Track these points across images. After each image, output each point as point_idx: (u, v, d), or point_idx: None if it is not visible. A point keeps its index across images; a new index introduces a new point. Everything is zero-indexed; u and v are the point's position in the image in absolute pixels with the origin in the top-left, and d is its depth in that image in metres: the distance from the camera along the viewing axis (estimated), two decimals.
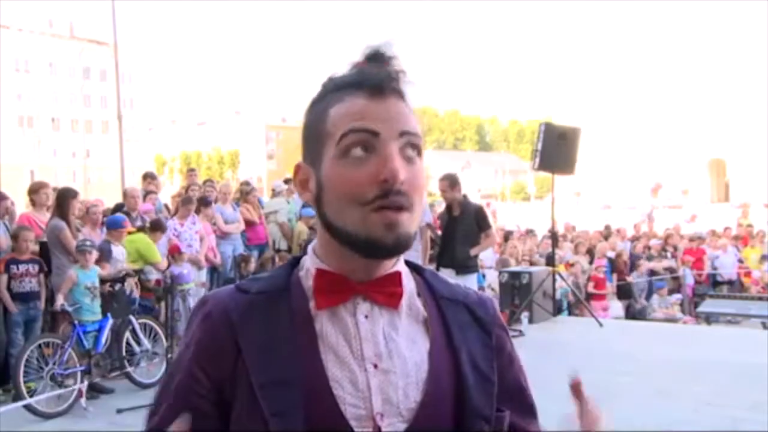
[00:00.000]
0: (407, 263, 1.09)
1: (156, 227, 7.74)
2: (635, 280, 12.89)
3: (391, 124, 0.98)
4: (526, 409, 1.14)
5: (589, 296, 11.70)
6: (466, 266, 7.67)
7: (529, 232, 16.66)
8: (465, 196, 8.24)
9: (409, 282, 1.06)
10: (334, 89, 1.02)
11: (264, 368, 0.96)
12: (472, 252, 7.72)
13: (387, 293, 1.01)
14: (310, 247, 1.07)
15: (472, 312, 1.08)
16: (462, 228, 7.72)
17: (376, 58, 1.03)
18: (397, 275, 1.03)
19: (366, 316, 1.00)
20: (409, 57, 1.06)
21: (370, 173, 0.96)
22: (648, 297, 12.84)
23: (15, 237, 6.71)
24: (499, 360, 1.08)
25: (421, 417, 0.96)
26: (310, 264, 1.05)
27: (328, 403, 0.95)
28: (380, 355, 0.98)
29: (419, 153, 1.01)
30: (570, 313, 10.86)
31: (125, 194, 8.84)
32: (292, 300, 1.02)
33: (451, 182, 7.92)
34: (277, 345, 0.98)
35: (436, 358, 1.01)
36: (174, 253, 7.89)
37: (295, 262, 1.08)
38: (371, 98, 0.99)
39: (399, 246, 0.97)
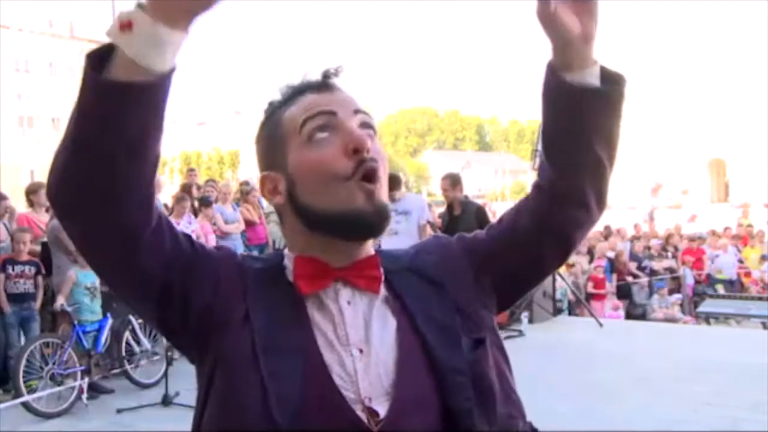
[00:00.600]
0: None
1: None
2: (637, 280, 12.89)
3: (345, 105, 1.04)
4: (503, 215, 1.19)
5: (589, 296, 11.70)
6: None
7: None
8: (466, 196, 8.26)
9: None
10: (279, 105, 1.08)
11: (268, 333, 0.99)
12: None
13: (367, 277, 1.04)
14: (285, 251, 1.10)
15: (419, 273, 1.10)
16: (463, 227, 7.73)
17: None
18: (375, 259, 1.05)
19: (348, 302, 1.03)
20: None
21: (339, 147, 1.00)
22: (648, 297, 12.83)
23: (12, 238, 6.72)
24: (463, 263, 1.11)
25: (401, 390, 0.98)
26: (287, 261, 1.08)
27: (326, 380, 0.97)
28: (363, 340, 1.01)
29: (375, 133, 1.05)
30: (570, 313, 10.85)
31: None
32: (286, 283, 1.06)
33: (452, 181, 7.95)
34: (279, 316, 1.01)
35: (402, 332, 1.03)
36: None
37: (282, 256, 1.12)
38: (320, 92, 1.05)
39: (381, 214, 1.01)
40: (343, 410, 0.96)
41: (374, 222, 1.01)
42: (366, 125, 1.04)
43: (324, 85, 1.06)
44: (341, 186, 0.99)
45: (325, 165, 1.00)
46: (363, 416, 0.96)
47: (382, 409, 0.97)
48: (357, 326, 1.01)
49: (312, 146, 1.01)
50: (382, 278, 1.05)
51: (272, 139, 1.07)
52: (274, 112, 1.09)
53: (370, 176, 1.00)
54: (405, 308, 1.05)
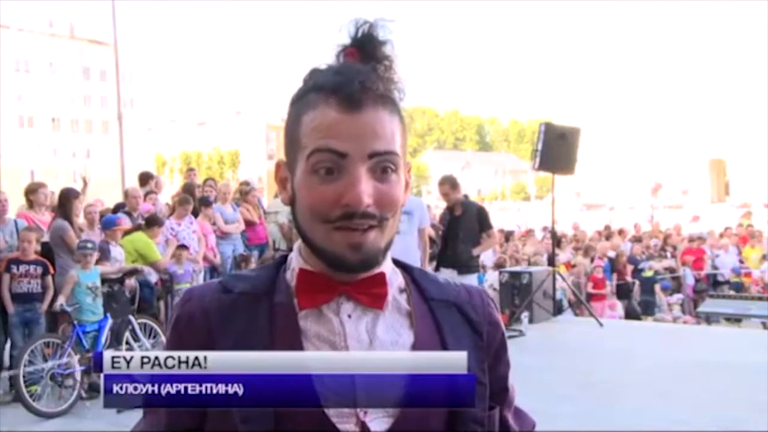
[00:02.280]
0: (395, 261, 1.08)
1: (152, 222, 7.73)
2: (633, 279, 12.88)
3: (361, 144, 0.95)
4: (508, 404, 1.12)
5: (589, 296, 11.70)
6: (468, 266, 7.67)
7: (530, 232, 16.71)
8: (466, 196, 8.25)
9: (394, 279, 1.05)
10: (313, 88, 0.99)
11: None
12: (475, 252, 7.72)
13: (372, 294, 1.01)
14: (296, 246, 1.07)
15: (463, 312, 1.07)
16: (464, 228, 7.73)
17: (365, 44, 1.01)
18: (381, 276, 1.02)
19: (349, 316, 1.00)
20: (401, 35, 1.03)
21: (334, 194, 0.95)
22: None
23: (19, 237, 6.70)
24: (487, 357, 1.07)
25: (408, 414, 0.95)
26: (295, 263, 1.05)
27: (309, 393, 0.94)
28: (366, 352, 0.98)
29: (395, 169, 0.98)
30: (573, 313, 10.84)
31: (126, 194, 8.85)
32: (275, 300, 1.02)
33: (452, 184, 7.95)
34: (254, 344, 0.97)
35: (421, 349, 1.00)
36: (181, 251, 7.87)
37: (282, 260, 1.08)
38: (344, 111, 0.96)
39: (365, 264, 0.98)
40: (321, 424, 0.94)
41: (357, 267, 0.98)
42: (381, 169, 0.97)
43: (353, 101, 0.96)
44: (324, 227, 0.97)
45: (317, 204, 0.96)
46: (355, 428, 0.94)
47: (378, 427, 0.95)
48: (359, 339, 0.99)
49: (314, 178, 0.96)
50: (388, 295, 1.02)
51: (290, 134, 1.02)
52: (306, 92, 1.01)
53: (361, 229, 0.96)
54: (442, 341, 1.02)
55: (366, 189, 0.95)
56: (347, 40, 1.03)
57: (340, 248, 0.96)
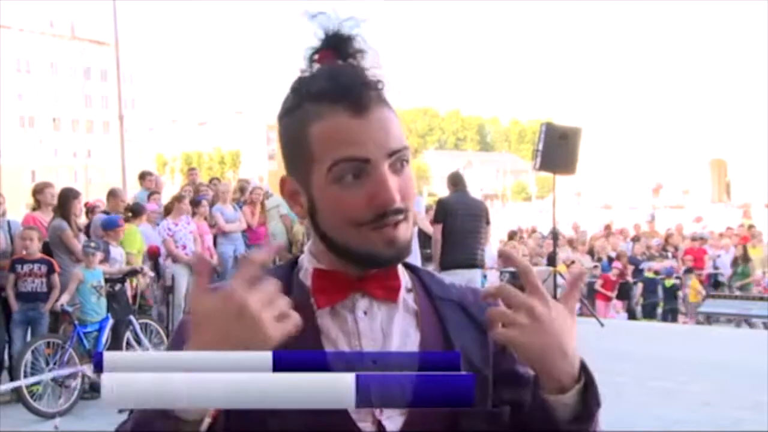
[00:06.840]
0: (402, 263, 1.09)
1: (137, 212, 7.77)
2: (634, 279, 12.88)
3: (379, 145, 0.96)
4: (524, 383, 1.08)
5: (593, 293, 11.71)
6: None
7: (534, 232, 16.72)
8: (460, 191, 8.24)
9: (403, 277, 1.07)
10: (310, 98, 0.99)
11: None
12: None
13: (385, 287, 1.02)
14: (306, 248, 1.08)
15: (468, 312, 1.08)
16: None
17: (338, 43, 1.01)
18: (393, 269, 1.03)
19: (365, 313, 1.01)
20: (367, 29, 1.02)
21: (364, 198, 0.96)
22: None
23: (15, 238, 6.70)
24: (495, 353, 1.07)
25: (418, 412, 0.96)
26: (307, 264, 1.06)
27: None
28: (379, 351, 1.00)
29: (408, 161, 1.00)
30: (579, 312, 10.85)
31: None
32: (292, 299, 1.01)
33: (450, 181, 7.98)
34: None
35: (428, 348, 1.02)
36: (152, 253, 7.82)
37: (294, 263, 1.09)
38: (353, 116, 0.96)
39: (400, 256, 1.00)
40: (344, 422, 0.95)
41: (392, 260, 1.00)
42: (399, 163, 0.98)
43: (360, 105, 0.96)
44: (358, 230, 0.97)
45: (346, 210, 0.97)
46: (372, 427, 0.96)
47: (393, 425, 0.96)
48: (373, 338, 1.00)
49: (338, 187, 0.97)
50: (402, 287, 1.04)
51: (296, 148, 1.01)
52: (301, 102, 0.99)
53: (390, 226, 0.97)
54: (445, 336, 1.04)
55: (393, 187, 0.96)
56: (315, 43, 1.02)
57: (377, 247, 0.97)
